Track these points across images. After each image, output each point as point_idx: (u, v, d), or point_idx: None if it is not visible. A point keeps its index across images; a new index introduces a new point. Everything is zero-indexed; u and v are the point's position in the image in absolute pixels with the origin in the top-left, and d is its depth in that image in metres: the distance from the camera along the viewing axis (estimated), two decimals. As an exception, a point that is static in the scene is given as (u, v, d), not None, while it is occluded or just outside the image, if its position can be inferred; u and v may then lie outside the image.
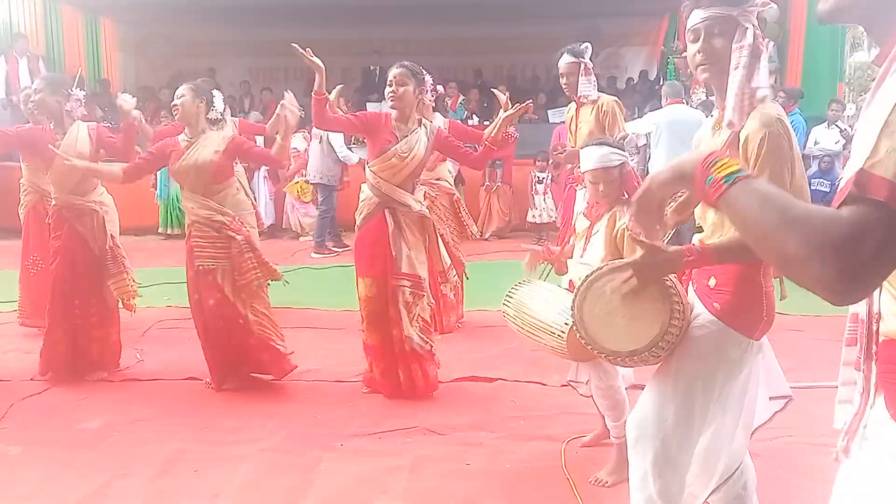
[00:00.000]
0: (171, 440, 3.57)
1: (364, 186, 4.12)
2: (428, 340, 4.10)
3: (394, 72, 4.02)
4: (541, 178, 9.47)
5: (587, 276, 2.25)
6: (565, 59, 4.57)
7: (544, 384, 4.23)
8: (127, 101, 4.43)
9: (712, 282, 2.19)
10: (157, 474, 3.25)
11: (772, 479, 3.03)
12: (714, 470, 2.31)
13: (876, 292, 1.21)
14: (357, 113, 4.36)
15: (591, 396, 3.22)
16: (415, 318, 4.04)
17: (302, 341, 5.11)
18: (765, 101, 2.04)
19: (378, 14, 13.48)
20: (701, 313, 2.22)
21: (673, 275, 2.19)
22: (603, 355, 2.27)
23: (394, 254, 3.98)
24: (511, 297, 2.93)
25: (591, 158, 2.93)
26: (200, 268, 4.15)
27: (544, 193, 9.43)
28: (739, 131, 2.06)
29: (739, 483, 2.35)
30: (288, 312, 5.93)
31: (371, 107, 10.69)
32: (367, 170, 4.08)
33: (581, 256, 3.03)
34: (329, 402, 4.04)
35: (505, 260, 7.72)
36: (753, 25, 2.06)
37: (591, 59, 4.55)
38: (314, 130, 8.63)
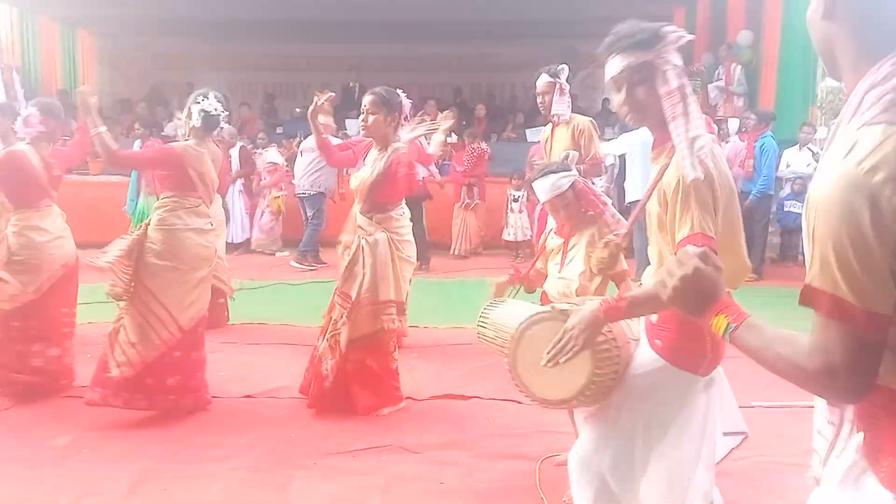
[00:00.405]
0: (140, 458, 3.51)
1: None
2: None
3: (365, 99, 4.07)
4: (516, 197, 9.53)
5: (521, 323, 2.23)
6: (542, 79, 4.62)
7: (520, 402, 4.20)
8: (86, 93, 4.04)
9: (654, 318, 2.16)
10: (125, 493, 3.18)
11: (743, 499, 3.05)
12: (681, 498, 2.30)
13: None
14: (354, 143, 4.43)
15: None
16: (333, 336, 4.05)
17: (277, 358, 5.08)
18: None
19: (357, 31, 13.54)
20: (643, 351, 2.19)
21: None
22: (534, 402, 2.26)
23: (341, 272, 4.11)
24: (487, 317, 2.90)
25: (543, 191, 3.02)
26: None
27: (520, 212, 9.48)
28: (663, 173, 2.05)
29: None
30: (263, 328, 5.90)
31: (350, 123, 10.71)
32: None
33: (559, 272, 3.07)
34: (302, 420, 4.00)
35: (481, 277, 7.72)
36: (674, 65, 2.03)
37: (567, 80, 4.59)
38: (305, 145, 8.61)
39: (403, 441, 3.70)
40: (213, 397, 4.30)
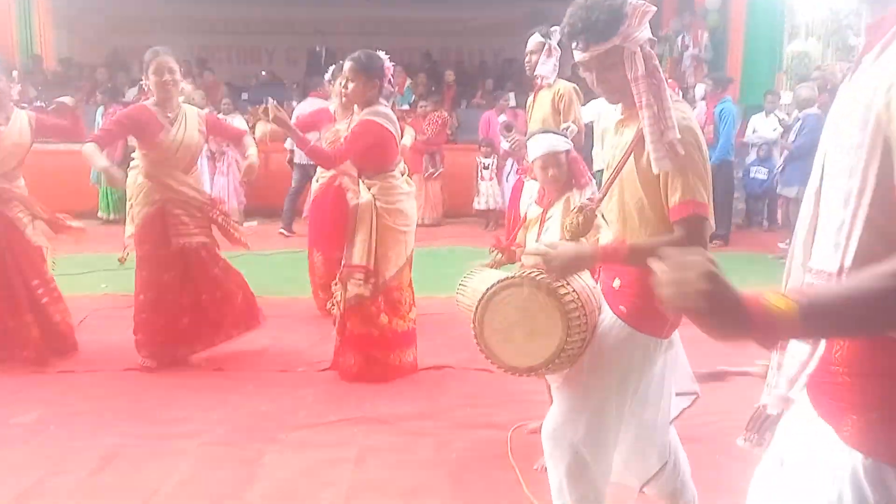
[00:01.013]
0: (108, 434, 3.47)
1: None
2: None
3: (345, 66, 4.03)
4: (486, 164, 9.47)
5: (487, 289, 2.20)
6: (533, 38, 4.53)
7: (491, 371, 4.21)
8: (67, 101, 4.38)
9: (617, 283, 2.16)
10: (93, 470, 3.15)
11: (711, 464, 3.10)
12: (647, 461, 2.34)
13: None
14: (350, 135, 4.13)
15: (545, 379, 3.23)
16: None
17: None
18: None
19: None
20: (606, 318, 2.18)
21: (572, 284, 2.14)
22: (501, 369, 2.25)
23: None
24: (465, 285, 2.92)
25: (539, 145, 3.00)
26: (187, 245, 4.25)
27: (490, 179, 9.44)
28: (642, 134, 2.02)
29: (675, 477, 2.38)
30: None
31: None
32: None
33: (536, 241, 3.07)
34: (274, 393, 3.98)
35: (452, 246, 7.73)
36: (640, 46, 2.00)
37: (560, 44, 4.44)
38: (300, 112, 8.38)
39: (375, 412, 3.71)
40: (183, 371, 4.27)
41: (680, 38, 10.68)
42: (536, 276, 2.14)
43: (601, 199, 2.19)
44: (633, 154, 2.07)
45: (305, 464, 3.21)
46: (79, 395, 3.95)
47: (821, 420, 1.21)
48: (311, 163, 8.41)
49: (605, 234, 2.26)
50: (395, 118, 4.15)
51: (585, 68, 2.10)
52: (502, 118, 9.55)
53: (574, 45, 2.06)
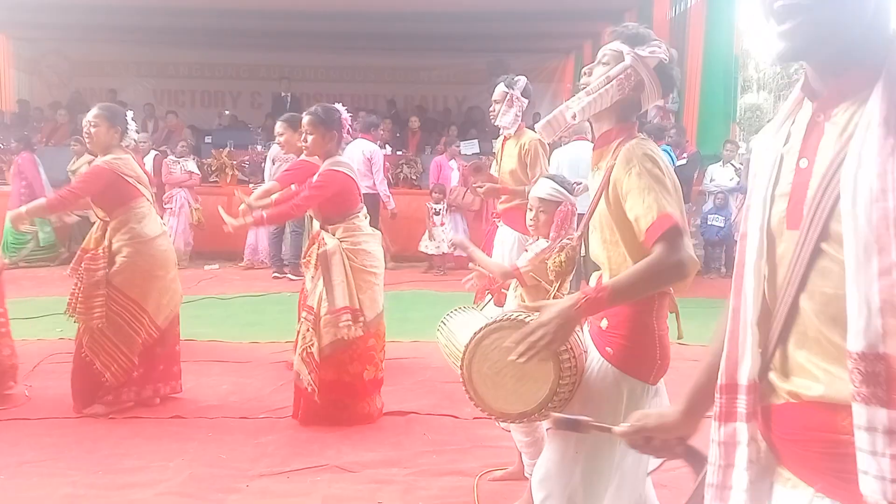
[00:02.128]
0: (62, 484, 3.35)
1: None
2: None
3: (304, 119, 4.16)
4: (437, 210, 9.56)
5: (475, 334, 2.16)
6: (498, 88, 4.58)
7: (457, 417, 4.22)
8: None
9: (604, 323, 2.15)
10: (45, 522, 3.03)
11: (677, 509, 3.10)
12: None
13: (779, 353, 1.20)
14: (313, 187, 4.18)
15: (509, 430, 3.22)
16: (304, 350, 4.08)
17: (204, 376, 4.94)
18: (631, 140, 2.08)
19: (289, 40, 13.40)
20: (595, 359, 2.16)
21: None
22: (491, 416, 2.19)
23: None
24: (445, 323, 2.92)
25: (540, 188, 3.03)
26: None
27: (441, 225, 9.52)
28: (610, 175, 2.08)
29: None
30: (192, 345, 5.72)
31: (281, 134, 10.55)
32: None
33: (514, 289, 3.09)
34: (234, 441, 3.89)
35: (417, 290, 7.73)
36: (635, 72, 2.09)
37: (525, 94, 4.52)
38: (276, 155, 8.34)
39: (339, 460, 3.64)
40: (139, 418, 4.17)
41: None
42: (525, 318, 2.10)
43: (580, 237, 2.21)
44: (603, 193, 2.11)
45: (267, 513, 3.14)
46: (31, 443, 3.81)
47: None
48: None
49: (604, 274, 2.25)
50: (353, 168, 4.30)
51: (598, 60, 2.17)
52: (453, 163, 9.72)
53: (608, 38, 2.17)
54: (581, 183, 4.36)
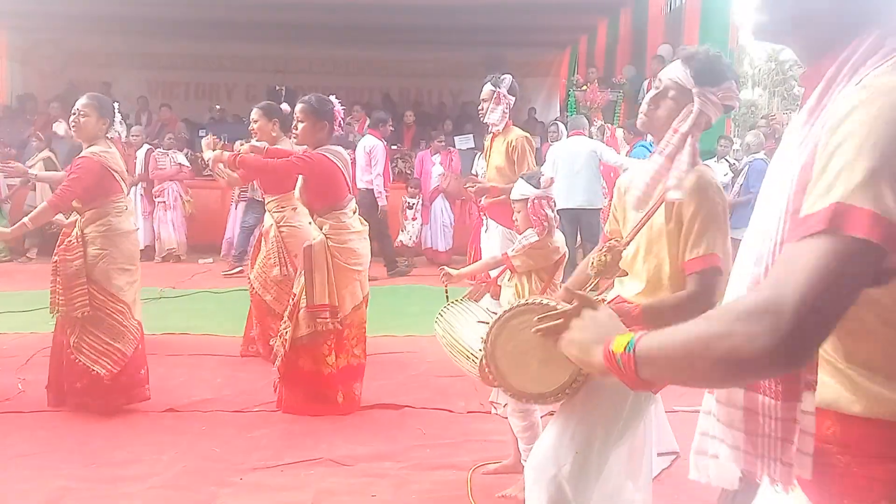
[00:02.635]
0: (54, 477, 3.33)
1: None
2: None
3: (297, 107, 4.17)
4: (411, 204, 9.65)
5: (505, 311, 2.20)
6: (486, 87, 4.63)
7: (451, 411, 4.23)
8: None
9: None
10: (37, 515, 3.03)
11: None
12: None
13: None
14: (299, 156, 4.24)
15: (507, 418, 3.23)
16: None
17: (199, 369, 4.94)
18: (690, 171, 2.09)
19: (284, 32, 13.33)
20: None
21: None
22: (508, 393, 2.23)
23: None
24: (442, 315, 2.96)
25: (515, 190, 3.22)
26: None
27: (413, 219, 9.59)
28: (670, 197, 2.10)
29: None
30: (186, 338, 5.72)
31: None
32: None
33: (507, 280, 3.19)
34: (226, 434, 3.88)
35: (412, 285, 7.73)
36: (700, 112, 2.09)
37: (511, 91, 4.56)
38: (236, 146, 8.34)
39: (333, 454, 3.64)
40: (132, 411, 4.16)
41: (646, 84, 10.96)
42: (556, 305, 2.14)
43: (627, 243, 2.23)
44: (662, 209, 2.14)
45: (260, 507, 3.13)
46: (23, 435, 3.80)
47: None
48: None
49: (629, 285, 2.28)
50: (346, 158, 4.29)
51: (658, 83, 2.18)
52: (437, 158, 9.72)
53: (674, 61, 2.17)
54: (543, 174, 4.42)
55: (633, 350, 1.12)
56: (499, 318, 2.19)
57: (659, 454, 2.45)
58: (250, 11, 12.11)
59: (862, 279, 0.94)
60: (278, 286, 4.92)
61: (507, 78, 4.60)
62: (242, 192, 8.60)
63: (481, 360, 2.23)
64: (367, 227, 4.35)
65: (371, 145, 8.51)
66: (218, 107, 14.09)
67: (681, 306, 2.05)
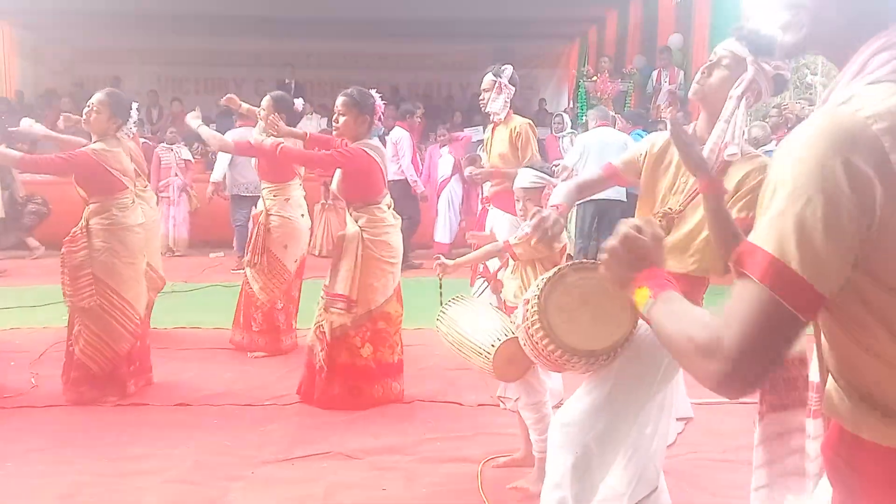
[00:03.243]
0: (68, 472, 3.36)
1: None
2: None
3: (337, 101, 4.15)
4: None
5: (560, 268, 2.23)
6: (487, 77, 4.64)
7: (460, 404, 4.23)
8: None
9: None
10: (52, 509, 3.05)
11: (679, 496, 3.11)
12: (639, 483, 2.37)
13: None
14: (340, 150, 4.18)
15: (517, 412, 3.24)
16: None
17: (211, 363, 4.97)
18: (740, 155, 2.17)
19: (292, 27, 13.33)
20: (643, 326, 2.22)
21: None
22: (558, 351, 2.20)
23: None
24: (445, 312, 2.96)
25: (522, 177, 3.16)
26: None
27: None
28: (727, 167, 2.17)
29: None
30: (197, 332, 5.75)
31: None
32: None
33: (511, 272, 3.15)
34: (238, 428, 3.90)
35: (419, 277, 7.72)
36: (755, 80, 2.16)
37: (512, 81, 4.57)
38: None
39: (343, 447, 3.65)
40: (146, 405, 4.19)
41: (656, 74, 10.90)
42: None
43: (681, 212, 2.25)
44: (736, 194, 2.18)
45: (272, 501, 3.15)
46: (37, 431, 3.83)
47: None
48: (257, 194, 8.39)
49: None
50: (384, 153, 4.31)
51: (715, 57, 2.26)
52: (444, 150, 9.70)
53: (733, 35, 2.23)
54: (558, 164, 4.47)
55: (647, 312, 1.21)
56: (553, 274, 2.22)
57: (677, 419, 2.48)
58: (260, 6, 12.12)
59: (791, 322, 0.97)
60: (265, 275, 5.00)
61: (508, 68, 4.61)
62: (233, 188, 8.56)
63: (530, 317, 2.22)
64: (401, 221, 4.38)
65: (398, 137, 8.54)
66: (222, 101, 14.07)
67: None
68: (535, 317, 2.20)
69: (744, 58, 2.17)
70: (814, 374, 1.27)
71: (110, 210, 4.17)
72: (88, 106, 4.22)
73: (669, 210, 2.25)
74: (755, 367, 0.99)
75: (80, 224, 4.17)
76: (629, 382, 2.24)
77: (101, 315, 4.14)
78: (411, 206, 8.60)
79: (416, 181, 8.59)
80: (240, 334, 5.24)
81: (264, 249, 4.98)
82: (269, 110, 4.98)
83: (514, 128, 4.61)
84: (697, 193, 2.18)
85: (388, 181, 8.28)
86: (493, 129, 4.78)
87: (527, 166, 3.25)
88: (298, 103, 5.29)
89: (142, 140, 9.57)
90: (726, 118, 2.17)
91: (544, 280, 2.23)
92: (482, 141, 10.07)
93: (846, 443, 1.06)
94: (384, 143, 9.95)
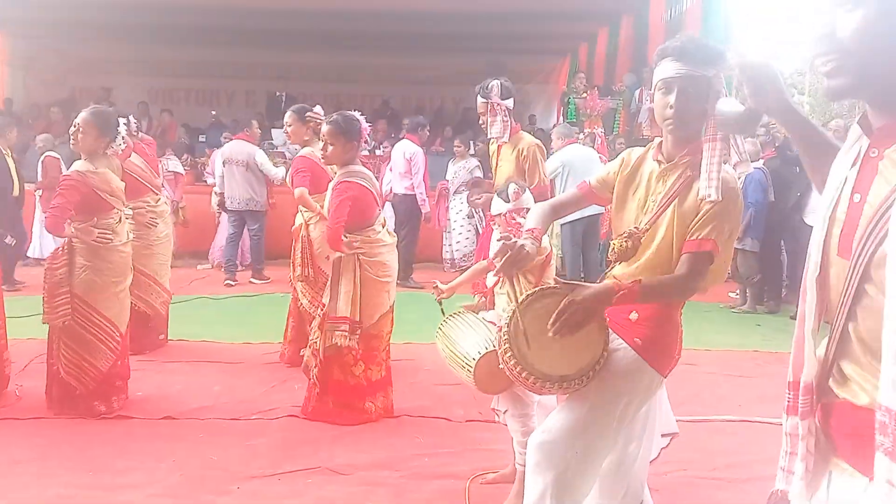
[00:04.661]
0: (52, 485, 3.32)
1: None
2: None
3: (323, 128, 4.14)
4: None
5: (528, 295, 2.22)
6: (479, 100, 4.53)
7: (449, 420, 4.21)
8: None
9: (634, 315, 2.24)
10: (34, 524, 3.01)
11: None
12: (617, 493, 2.37)
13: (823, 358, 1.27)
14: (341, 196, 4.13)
15: (507, 426, 3.23)
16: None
17: (198, 376, 4.93)
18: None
19: (285, 39, 13.35)
20: (621, 346, 2.24)
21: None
22: (531, 378, 2.19)
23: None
24: (441, 328, 2.96)
25: (495, 205, 3.21)
26: None
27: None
28: (690, 182, 2.16)
29: None
30: (183, 345, 5.71)
31: (276, 133, 10.54)
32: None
33: (500, 287, 3.15)
34: (225, 442, 3.87)
35: (409, 292, 7.70)
36: (723, 90, 2.12)
37: (503, 96, 4.44)
38: (230, 156, 8.35)
39: (331, 462, 3.63)
40: (131, 418, 4.15)
41: (638, 92, 10.98)
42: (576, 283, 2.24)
43: (646, 231, 2.24)
44: (677, 198, 2.17)
45: (258, 516, 3.12)
46: (21, 443, 3.79)
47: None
48: (248, 208, 8.41)
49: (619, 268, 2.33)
50: (371, 176, 4.25)
51: (666, 87, 2.15)
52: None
53: (669, 57, 2.15)
54: (509, 185, 4.36)
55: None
56: (521, 301, 2.21)
57: (662, 434, 2.48)
58: (251, 19, 12.12)
59: None
60: (314, 289, 4.89)
61: (495, 84, 4.46)
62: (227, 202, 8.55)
63: (502, 345, 2.21)
64: (396, 240, 4.36)
65: (412, 151, 8.36)
66: (213, 112, 14.07)
67: (672, 283, 2.16)
68: (507, 345, 2.19)
69: (698, 74, 2.10)
70: (808, 375, 1.30)
71: (94, 229, 4.13)
72: (74, 126, 4.17)
73: (636, 229, 2.25)
74: None
75: (62, 242, 4.14)
76: (608, 400, 2.23)
77: (80, 333, 4.11)
78: (415, 220, 8.58)
79: (424, 200, 8.45)
80: (292, 349, 5.16)
81: (311, 263, 4.89)
82: (295, 124, 5.06)
83: (522, 150, 4.49)
84: (665, 209, 2.18)
85: (397, 195, 8.38)
86: (499, 148, 4.64)
87: (496, 192, 3.29)
88: (318, 109, 5.29)
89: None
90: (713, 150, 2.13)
91: (513, 307, 2.21)
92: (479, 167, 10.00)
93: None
94: (376, 157, 9.98)
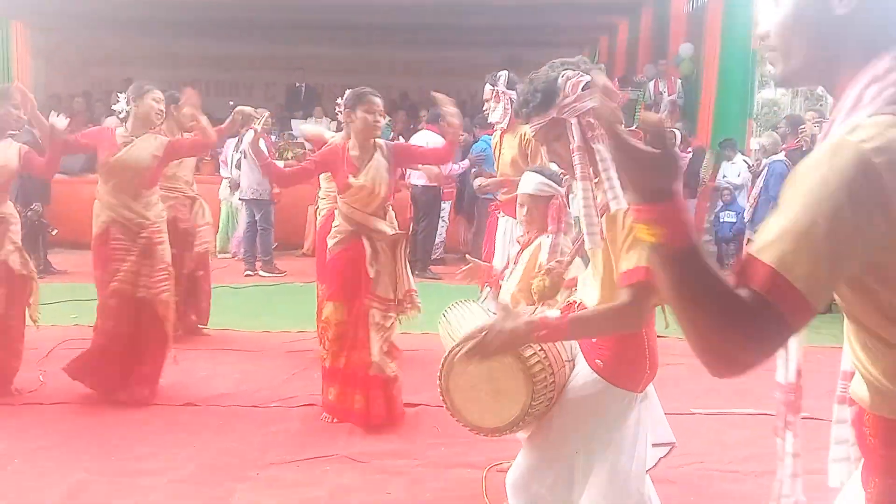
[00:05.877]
0: (74, 470, 3.39)
1: (336, 213, 4.18)
2: (391, 365, 4.06)
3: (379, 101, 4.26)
4: None
5: (453, 347, 2.11)
6: (486, 87, 4.63)
7: (465, 410, 4.22)
8: (60, 122, 4.24)
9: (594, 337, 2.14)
10: (58, 507, 3.07)
11: (685, 505, 3.11)
12: (616, 498, 2.33)
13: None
14: (313, 158, 4.36)
15: None
16: (385, 341, 4.01)
17: (216, 364, 4.98)
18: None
19: (304, 31, 13.40)
20: (581, 371, 2.15)
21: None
22: (467, 428, 2.18)
23: (372, 277, 3.98)
24: (445, 316, 2.93)
25: (527, 183, 2.98)
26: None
27: None
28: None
29: None
30: (204, 334, 5.77)
31: (295, 123, 10.59)
32: (339, 201, 4.14)
33: (507, 281, 3.05)
34: (244, 429, 3.92)
35: (426, 282, 7.73)
36: (578, 119, 1.99)
37: (510, 85, 4.50)
38: (244, 146, 8.42)
39: (348, 450, 3.66)
40: (153, 404, 4.20)
41: (653, 84, 10.92)
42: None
43: (568, 264, 2.18)
44: (604, 215, 2.04)
45: (276, 503, 3.16)
46: (45, 428, 3.86)
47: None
48: (253, 197, 8.46)
49: (590, 292, 2.18)
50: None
51: (537, 141, 2.13)
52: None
53: (524, 118, 2.10)
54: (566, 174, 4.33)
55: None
56: (448, 353, 2.13)
57: (654, 445, 2.40)
58: (270, 11, 12.17)
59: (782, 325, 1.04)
60: None
61: (503, 74, 4.57)
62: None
63: (440, 392, 2.15)
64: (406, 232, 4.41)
65: (436, 143, 8.41)
66: (232, 103, 14.13)
67: (608, 316, 1.98)
68: (441, 397, 2.15)
69: (549, 116, 2.03)
70: (845, 363, 1.29)
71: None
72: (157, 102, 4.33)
73: (558, 263, 2.21)
74: (750, 360, 1.05)
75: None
76: (571, 429, 2.14)
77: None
78: (434, 212, 8.64)
79: (456, 171, 8.62)
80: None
81: None
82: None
83: (524, 134, 4.51)
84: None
85: (416, 187, 8.42)
86: (501, 136, 4.72)
87: (534, 170, 3.08)
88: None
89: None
90: (587, 175, 2.00)
91: (442, 361, 2.14)
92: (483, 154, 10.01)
93: (869, 421, 1.19)
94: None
